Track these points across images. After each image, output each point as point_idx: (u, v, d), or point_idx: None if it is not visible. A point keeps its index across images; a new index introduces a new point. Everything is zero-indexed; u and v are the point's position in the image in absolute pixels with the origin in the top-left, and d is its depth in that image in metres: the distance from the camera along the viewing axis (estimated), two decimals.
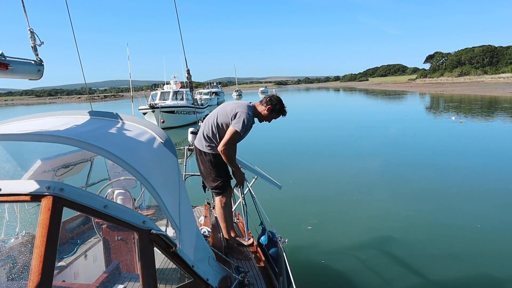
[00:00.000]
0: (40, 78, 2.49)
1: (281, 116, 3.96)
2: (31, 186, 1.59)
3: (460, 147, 15.46)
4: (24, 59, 2.35)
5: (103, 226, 3.34)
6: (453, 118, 25.34)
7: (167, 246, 1.92)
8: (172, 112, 28.27)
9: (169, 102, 30.10)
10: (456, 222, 7.49)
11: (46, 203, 1.57)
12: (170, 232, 3.04)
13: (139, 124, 2.41)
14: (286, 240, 3.05)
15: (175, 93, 31.64)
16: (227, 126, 3.67)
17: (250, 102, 3.90)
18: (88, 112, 2.54)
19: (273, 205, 7.95)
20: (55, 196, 1.59)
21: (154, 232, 1.81)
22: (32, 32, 2.42)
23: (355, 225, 7.58)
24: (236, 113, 3.65)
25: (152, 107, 26.62)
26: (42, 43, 2.47)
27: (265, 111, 3.84)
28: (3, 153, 3.12)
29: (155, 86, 42.83)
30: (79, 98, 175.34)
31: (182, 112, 29.17)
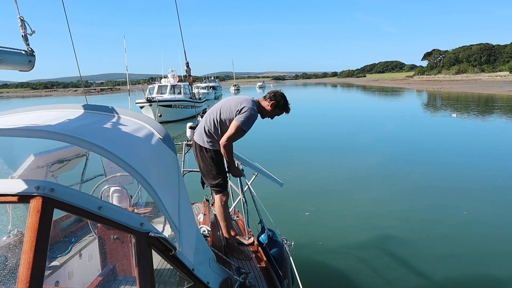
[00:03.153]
0: (31, 69, 2.36)
1: (284, 113, 3.81)
2: (19, 186, 1.46)
3: (456, 144, 15.57)
4: (14, 49, 2.22)
5: (99, 224, 3.21)
6: (454, 115, 25.29)
7: (166, 249, 1.80)
8: (170, 106, 28.05)
9: (167, 96, 29.84)
10: (449, 217, 7.58)
11: (35, 204, 1.45)
12: (168, 231, 2.92)
13: (137, 119, 2.27)
14: (293, 243, 2.91)
15: (173, 87, 31.37)
16: (231, 121, 3.53)
17: (253, 98, 3.76)
18: (83, 105, 2.40)
19: (272, 200, 7.89)
20: (45, 197, 1.46)
21: (153, 235, 1.69)
22: (22, 20, 2.28)
23: (352, 220, 7.63)
24: (242, 108, 3.51)
25: (150, 101, 26.40)
26: (33, 32, 2.33)
27: (269, 107, 3.70)
28: None
29: (152, 79, 42.47)
30: (75, 91, 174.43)
31: (180, 106, 28.95)
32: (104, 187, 3.58)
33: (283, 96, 3.75)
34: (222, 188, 3.71)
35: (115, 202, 3.29)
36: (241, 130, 3.48)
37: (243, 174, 4.00)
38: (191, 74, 4.23)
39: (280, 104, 3.72)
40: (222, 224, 3.70)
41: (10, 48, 2.16)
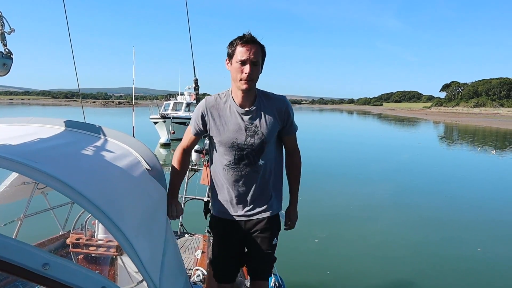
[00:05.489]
0: (6, 73, 1.99)
1: (241, 49, 2.10)
2: None
3: (472, 178, 15.27)
4: None
5: (79, 257, 2.79)
6: (493, 152, 24.39)
7: None
8: (184, 123, 27.80)
9: (181, 113, 29.72)
10: (463, 253, 7.32)
11: None
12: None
13: (123, 143, 1.87)
14: None
15: (188, 104, 31.25)
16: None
17: None
18: (64, 121, 2.02)
19: None
20: None
21: None
22: (0, 16, 1.93)
23: (363, 250, 7.32)
24: None
25: (164, 117, 26.31)
26: (13, 30, 1.98)
27: (228, 67, 2.23)
28: None
29: (169, 96, 42.64)
30: (93, 102, 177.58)
31: None
32: None
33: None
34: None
35: (100, 231, 2.87)
36: (187, 129, 2.39)
37: (175, 214, 2.18)
38: (199, 92, 3.85)
39: (229, 50, 2.18)
40: None
41: None
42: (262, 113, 2.23)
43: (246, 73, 2.08)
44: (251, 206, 2.31)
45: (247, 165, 2.24)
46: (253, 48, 2.10)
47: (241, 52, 2.09)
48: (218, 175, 2.32)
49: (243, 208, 2.31)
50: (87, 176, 1.44)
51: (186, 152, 2.37)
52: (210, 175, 2.40)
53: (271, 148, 2.30)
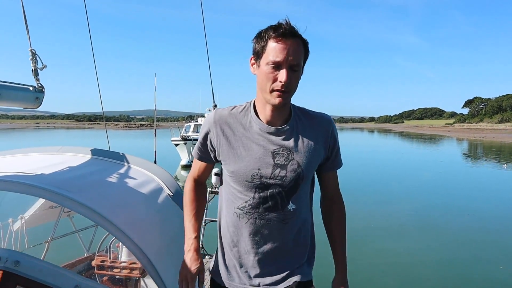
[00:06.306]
0: (37, 106, 2.15)
1: (276, 45, 1.39)
2: None
3: (498, 195, 14.95)
4: (19, 84, 2.02)
5: (104, 278, 2.89)
6: (505, 166, 24.07)
7: None
8: None
9: None
10: (485, 271, 7.27)
11: None
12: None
13: (146, 170, 1.98)
14: None
15: None
16: None
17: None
18: (91, 150, 2.15)
19: None
20: (6, 272, 1.15)
21: None
22: (34, 54, 2.10)
23: (384, 270, 7.30)
24: None
25: (184, 139, 26.72)
26: (45, 66, 2.15)
27: (252, 70, 1.52)
28: None
29: (190, 117, 43.37)
30: (116, 124, 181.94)
31: None
32: None
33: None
34: None
35: (124, 253, 2.98)
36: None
37: (195, 270, 1.50)
38: None
39: (255, 49, 1.47)
40: None
41: (14, 83, 1.96)
42: (299, 135, 1.53)
43: (281, 82, 1.39)
44: (274, 273, 1.58)
45: (271, 210, 1.51)
46: (293, 45, 1.39)
47: (274, 50, 1.38)
48: (227, 223, 1.58)
49: (262, 275, 1.57)
50: (113, 202, 1.54)
51: (198, 184, 1.68)
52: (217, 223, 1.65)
53: (306, 188, 1.59)
